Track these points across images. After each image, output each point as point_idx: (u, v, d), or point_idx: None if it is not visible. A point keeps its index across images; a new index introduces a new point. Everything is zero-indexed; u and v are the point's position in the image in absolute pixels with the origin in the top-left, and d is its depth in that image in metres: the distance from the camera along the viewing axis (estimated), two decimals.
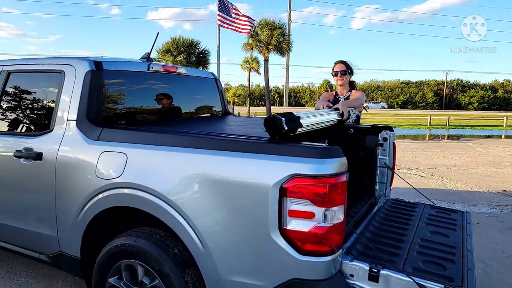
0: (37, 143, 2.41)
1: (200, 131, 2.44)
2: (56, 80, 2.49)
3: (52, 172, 2.30)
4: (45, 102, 2.58)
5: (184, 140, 2.00)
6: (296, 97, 71.48)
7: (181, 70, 3.20)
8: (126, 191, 2.04)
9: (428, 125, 26.05)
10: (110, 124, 2.41)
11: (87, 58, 2.48)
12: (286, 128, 1.83)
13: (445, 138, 18.79)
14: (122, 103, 2.62)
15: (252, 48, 26.50)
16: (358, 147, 3.18)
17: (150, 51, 3.11)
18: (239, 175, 1.79)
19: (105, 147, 2.18)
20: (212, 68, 26.83)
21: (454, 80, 72.40)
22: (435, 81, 72.72)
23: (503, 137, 19.78)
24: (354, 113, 3.87)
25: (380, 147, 3.04)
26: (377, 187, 3.08)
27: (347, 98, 3.92)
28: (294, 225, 1.71)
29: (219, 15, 18.25)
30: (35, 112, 2.63)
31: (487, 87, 69.98)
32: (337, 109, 3.03)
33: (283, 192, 1.70)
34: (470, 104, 67.95)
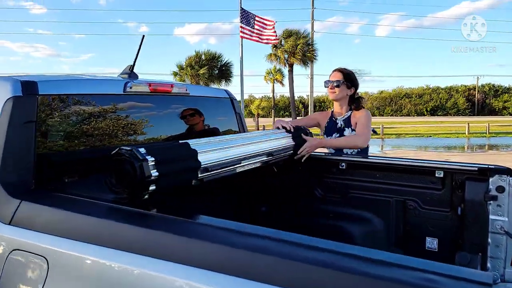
0: None
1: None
2: None
3: None
4: None
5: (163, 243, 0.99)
6: (322, 107, 69.83)
7: (179, 88, 2.20)
8: None
9: (467, 134, 24.08)
10: (45, 188, 1.41)
11: (13, 77, 1.51)
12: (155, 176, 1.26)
13: (489, 148, 17.02)
14: (75, 148, 1.62)
15: (277, 59, 25.57)
16: (452, 199, 2.05)
17: (134, 63, 2.13)
18: None
19: (18, 241, 1.18)
20: (235, 80, 26.06)
21: (486, 85, 68.99)
22: (465, 86, 69.43)
23: None
24: None
25: (492, 202, 1.90)
26: (489, 264, 1.93)
27: (346, 120, 2.81)
28: None
29: (241, 26, 17.67)
30: None
31: None
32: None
33: None
34: (505, 109, 64.59)
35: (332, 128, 2.84)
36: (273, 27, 18.48)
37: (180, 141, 1.56)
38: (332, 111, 2.91)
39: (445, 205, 2.06)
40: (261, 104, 29.47)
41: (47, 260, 1.09)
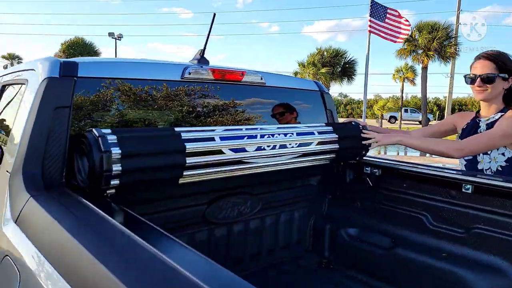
0: None
1: None
2: (19, 97, 1.49)
3: None
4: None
5: None
6: (461, 110, 61.14)
7: (252, 77, 1.85)
8: None
9: None
10: (73, 185, 1.25)
11: (55, 58, 1.39)
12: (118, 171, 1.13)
13: None
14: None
15: (410, 53, 23.24)
16: None
17: (204, 47, 1.87)
18: None
19: (12, 243, 1.01)
20: (358, 79, 24.62)
21: None
22: None
23: None
24: (501, 153, 1.87)
25: None
26: None
27: (491, 124, 1.92)
28: None
29: (370, 20, 16.47)
30: None
31: None
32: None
33: None
34: None
35: (470, 130, 2.03)
36: (406, 23, 16.70)
37: (175, 129, 1.35)
38: (478, 111, 2.09)
39: None
40: (386, 105, 27.26)
41: (19, 275, 0.88)
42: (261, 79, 1.89)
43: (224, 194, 1.78)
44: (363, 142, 1.92)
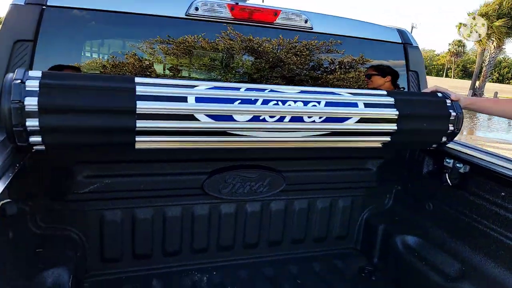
0: None
1: None
2: None
3: None
4: None
5: None
6: None
7: (292, 18, 1.37)
8: None
9: None
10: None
11: None
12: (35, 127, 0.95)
13: None
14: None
15: None
16: None
17: None
18: None
19: None
20: None
21: None
22: None
23: None
24: None
25: None
26: None
27: None
28: None
29: None
30: None
31: None
32: None
33: None
34: None
35: None
36: None
37: (134, 80, 1.04)
38: None
39: None
40: None
41: None
42: (306, 22, 1.39)
43: (230, 166, 1.44)
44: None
